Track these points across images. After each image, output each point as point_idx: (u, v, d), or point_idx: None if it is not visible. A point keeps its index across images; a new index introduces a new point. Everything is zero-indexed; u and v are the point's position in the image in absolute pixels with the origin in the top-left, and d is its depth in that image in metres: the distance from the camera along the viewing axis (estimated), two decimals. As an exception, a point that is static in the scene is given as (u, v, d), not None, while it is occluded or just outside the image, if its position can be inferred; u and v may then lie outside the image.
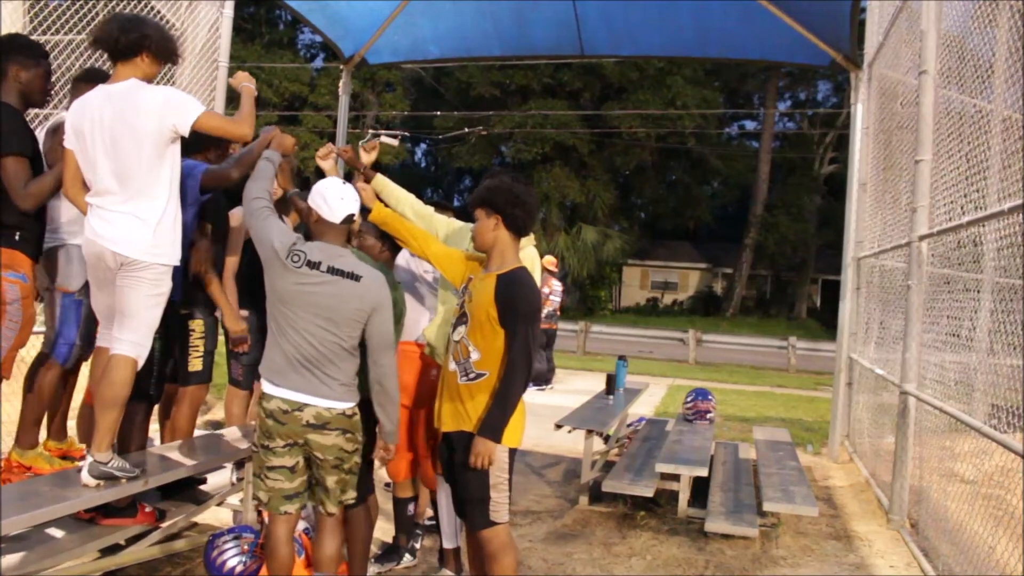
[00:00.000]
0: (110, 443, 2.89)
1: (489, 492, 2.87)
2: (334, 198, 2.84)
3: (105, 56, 2.96)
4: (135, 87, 2.84)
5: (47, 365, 3.34)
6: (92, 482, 2.81)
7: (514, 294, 2.83)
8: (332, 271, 2.79)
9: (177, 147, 2.92)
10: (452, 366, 2.94)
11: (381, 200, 3.48)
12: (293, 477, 2.88)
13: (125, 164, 2.79)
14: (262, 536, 3.22)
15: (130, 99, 2.80)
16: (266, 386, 2.84)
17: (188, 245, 3.31)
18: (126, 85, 2.84)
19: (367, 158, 3.71)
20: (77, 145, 2.85)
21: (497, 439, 2.82)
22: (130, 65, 2.87)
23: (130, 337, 2.86)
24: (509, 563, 2.93)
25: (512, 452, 2.93)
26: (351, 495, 2.95)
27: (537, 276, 3.31)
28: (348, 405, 2.85)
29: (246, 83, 3.14)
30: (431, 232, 3.39)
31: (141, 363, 2.92)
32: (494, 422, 2.81)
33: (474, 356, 2.88)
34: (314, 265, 2.79)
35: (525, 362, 2.81)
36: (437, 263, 3.19)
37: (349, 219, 2.88)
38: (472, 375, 2.88)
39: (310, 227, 2.95)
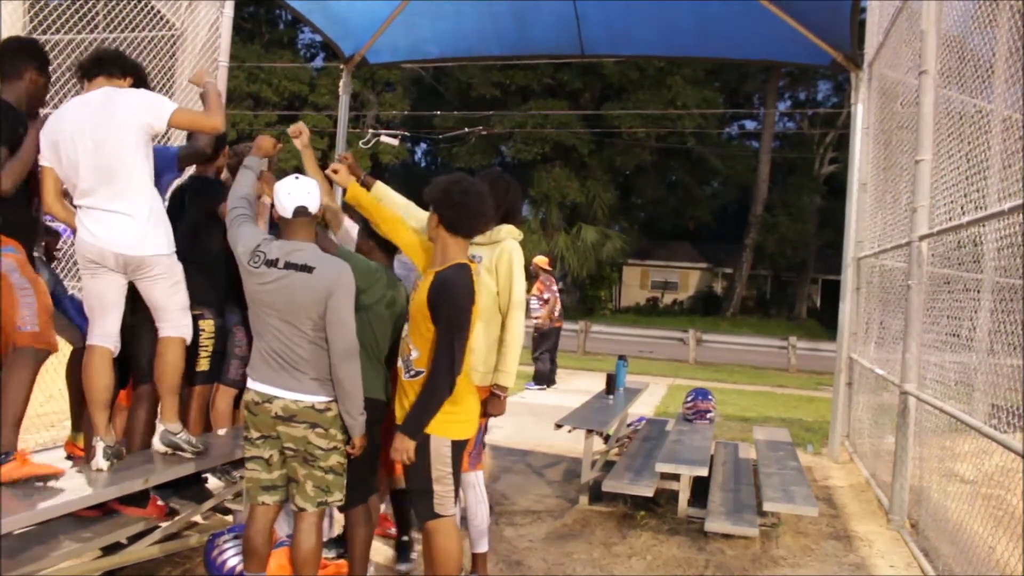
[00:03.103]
0: (177, 415, 3.23)
1: (432, 485, 2.91)
2: (282, 194, 2.89)
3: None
4: (110, 93, 3.06)
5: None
6: (162, 448, 3.18)
7: (443, 294, 2.84)
8: (288, 266, 2.82)
9: (151, 145, 3.10)
10: (399, 362, 3.00)
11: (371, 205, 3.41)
12: (270, 469, 2.91)
13: (109, 164, 2.95)
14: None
15: (107, 104, 3.02)
16: (248, 380, 2.93)
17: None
18: (101, 92, 3.06)
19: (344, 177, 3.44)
20: (54, 156, 2.99)
21: (414, 436, 2.85)
22: (106, 78, 3.13)
23: (170, 320, 3.17)
24: (453, 555, 2.97)
25: (456, 445, 2.94)
26: (336, 497, 2.93)
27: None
28: (318, 399, 2.84)
29: (207, 79, 3.32)
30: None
31: (188, 339, 3.24)
32: (413, 420, 2.85)
33: (414, 354, 2.91)
34: (272, 263, 2.84)
35: (448, 361, 2.81)
36: (405, 250, 3.22)
37: (300, 211, 2.87)
38: (412, 372, 2.92)
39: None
